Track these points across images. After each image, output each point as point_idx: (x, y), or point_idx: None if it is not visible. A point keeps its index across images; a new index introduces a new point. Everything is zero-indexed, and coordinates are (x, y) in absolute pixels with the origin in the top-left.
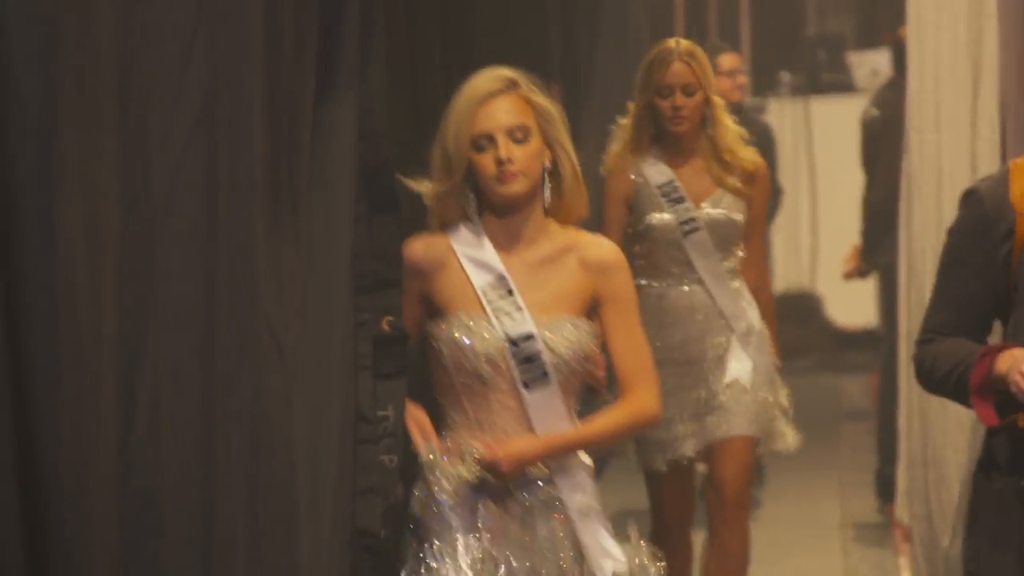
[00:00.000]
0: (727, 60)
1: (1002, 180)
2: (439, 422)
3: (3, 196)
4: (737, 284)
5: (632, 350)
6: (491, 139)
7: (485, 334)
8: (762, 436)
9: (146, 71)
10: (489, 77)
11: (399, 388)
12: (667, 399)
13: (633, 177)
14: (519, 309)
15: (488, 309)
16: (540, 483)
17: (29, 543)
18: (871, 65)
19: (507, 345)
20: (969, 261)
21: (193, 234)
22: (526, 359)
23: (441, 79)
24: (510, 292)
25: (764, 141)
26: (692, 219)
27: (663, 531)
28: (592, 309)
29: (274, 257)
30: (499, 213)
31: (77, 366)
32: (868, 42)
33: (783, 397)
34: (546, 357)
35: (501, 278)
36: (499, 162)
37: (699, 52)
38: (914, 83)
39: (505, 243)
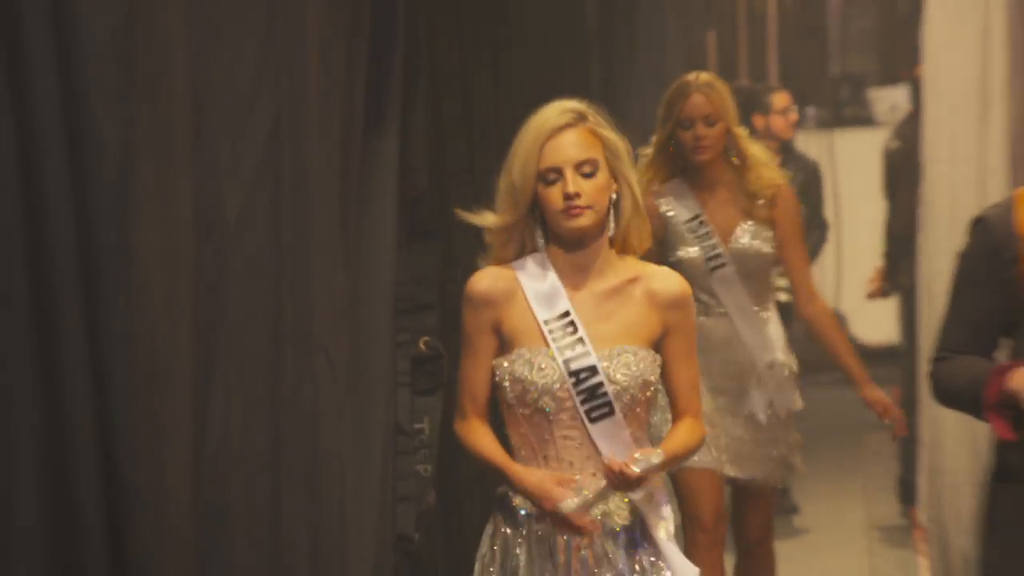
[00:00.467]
0: (780, 99)
1: (1007, 207)
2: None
3: (85, 225)
4: (766, 315)
5: (691, 378)
6: (559, 173)
7: (546, 369)
8: (778, 480)
9: (216, 108)
10: (558, 110)
11: (434, 403)
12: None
13: (663, 211)
14: (582, 342)
15: (551, 343)
16: (622, 532)
17: (111, 553)
18: (890, 100)
19: (569, 379)
20: (978, 283)
21: (260, 259)
22: (589, 392)
23: (492, 110)
24: (573, 325)
25: (812, 177)
26: (718, 255)
27: (697, 540)
28: (658, 340)
29: (326, 280)
30: (566, 246)
31: (152, 384)
32: (887, 79)
33: (793, 439)
34: (608, 388)
35: (565, 312)
36: (567, 196)
37: (718, 83)
38: (929, 118)
39: (572, 275)
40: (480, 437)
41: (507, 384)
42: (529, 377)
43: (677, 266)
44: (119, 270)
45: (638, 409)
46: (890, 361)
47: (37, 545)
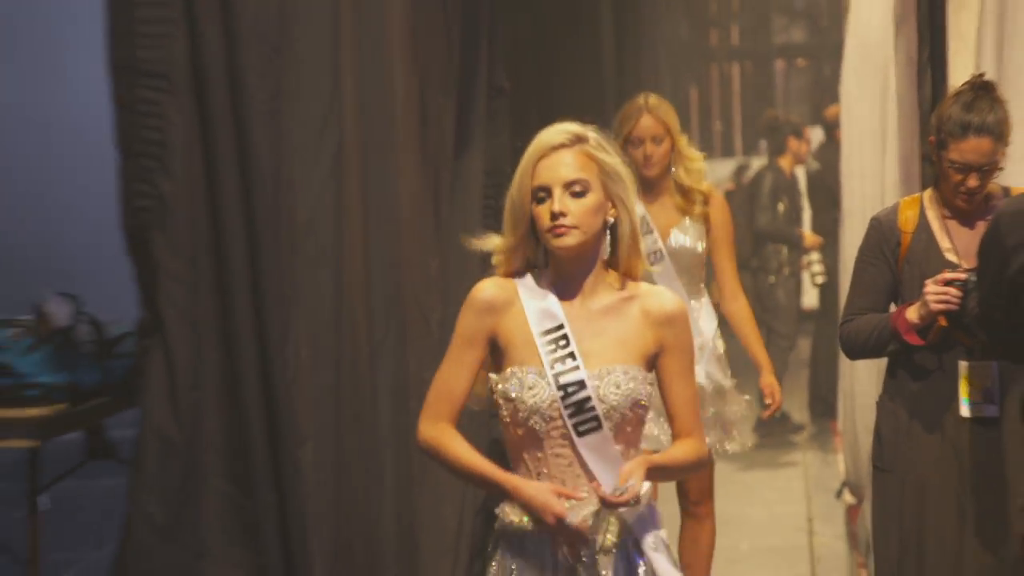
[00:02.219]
0: (808, 131)
1: (894, 210)
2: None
3: (217, 234)
4: (697, 304)
5: (688, 398)
6: (549, 192)
7: (536, 388)
8: (716, 443)
9: (295, 139)
10: (556, 131)
11: None
12: None
13: None
14: (573, 357)
15: (544, 357)
16: (613, 549)
17: (269, 442)
18: (820, 138)
19: (557, 393)
20: (875, 264)
21: (322, 253)
22: (577, 406)
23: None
24: (566, 339)
25: (794, 191)
26: (658, 250)
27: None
28: (652, 358)
29: (423, 265)
30: (560, 263)
31: (262, 335)
32: (817, 122)
33: (736, 403)
34: (597, 406)
35: (559, 326)
36: (552, 215)
37: (665, 104)
38: (845, 147)
39: (566, 292)
40: (458, 446)
41: (501, 403)
42: (519, 396)
43: None
44: (271, 256)
45: (628, 428)
46: (812, 321)
47: (221, 440)
